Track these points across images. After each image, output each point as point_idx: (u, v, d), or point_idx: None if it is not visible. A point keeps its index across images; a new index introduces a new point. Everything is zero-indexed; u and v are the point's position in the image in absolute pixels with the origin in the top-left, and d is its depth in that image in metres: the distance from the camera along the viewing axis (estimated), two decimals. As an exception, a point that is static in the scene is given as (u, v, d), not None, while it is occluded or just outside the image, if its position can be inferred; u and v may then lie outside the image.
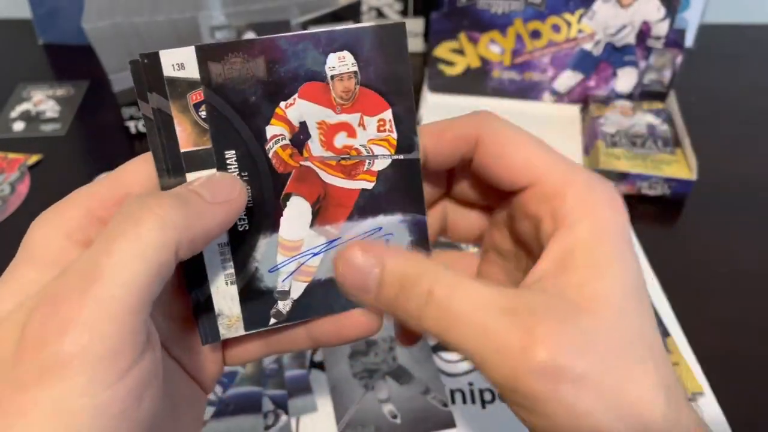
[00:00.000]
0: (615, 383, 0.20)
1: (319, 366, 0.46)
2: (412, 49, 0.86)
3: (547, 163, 0.23)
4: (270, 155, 0.23)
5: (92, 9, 0.63)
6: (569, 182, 0.22)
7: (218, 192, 0.21)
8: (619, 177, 0.60)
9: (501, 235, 0.27)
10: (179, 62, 0.22)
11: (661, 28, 0.67)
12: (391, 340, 0.48)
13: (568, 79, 0.72)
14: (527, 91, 0.74)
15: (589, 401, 0.19)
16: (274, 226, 0.24)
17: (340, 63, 0.23)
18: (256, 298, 0.24)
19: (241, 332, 0.24)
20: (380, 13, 0.84)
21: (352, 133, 0.24)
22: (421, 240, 0.25)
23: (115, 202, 0.22)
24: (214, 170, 0.23)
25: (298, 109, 0.23)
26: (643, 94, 0.71)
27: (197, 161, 0.23)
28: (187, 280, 0.24)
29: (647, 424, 0.20)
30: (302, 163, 0.24)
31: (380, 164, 0.24)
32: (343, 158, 0.24)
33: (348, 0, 0.72)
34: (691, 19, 0.83)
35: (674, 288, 0.52)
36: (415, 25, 0.85)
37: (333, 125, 0.24)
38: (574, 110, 0.73)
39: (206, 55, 0.22)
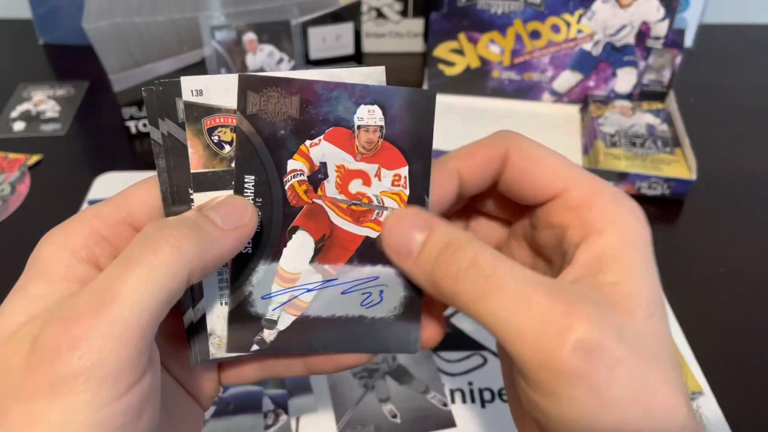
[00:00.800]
0: (646, 380, 0.20)
1: (319, 366, 0.46)
2: (412, 49, 0.86)
3: (574, 175, 0.24)
4: (286, 187, 0.24)
5: (92, 9, 0.63)
6: (595, 193, 0.23)
7: (231, 218, 0.22)
8: (619, 177, 0.60)
9: (519, 246, 0.28)
10: (198, 88, 0.23)
11: (661, 29, 0.67)
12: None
13: (567, 80, 0.72)
14: (527, 92, 0.74)
15: (619, 390, 0.19)
16: (275, 255, 0.25)
17: (369, 115, 0.24)
18: (243, 321, 0.25)
19: (233, 355, 0.25)
20: (380, 13, 0.84)
21: (367, 182, 0.25)
22: (413, 297, 0.26)
23: (119, 223, 0.23)
24: (222, 192, 0.24)
25: (321, 149, 0.24)
26: (643, 94, 0.71)
27: (206, 183, 0.24)
28: (185, 299, 0.24)
29: (669, 426, 0.20)
30: (315, 200, 0.25)
31: (388, 216, 0.25)
32: (354, 204, 0.25)
33: (348, 0, 0.72)
34: (691, 20, 0.83)
35: (674, 288, 0.52)
36: (415, 26, 0.85)
37: (351, 171, 0.25)
38: (574, 110, 0.73)
39: (247, 84, 0.23)
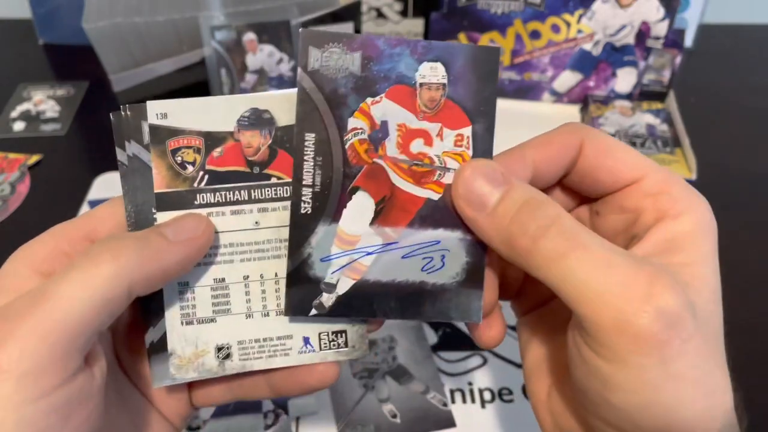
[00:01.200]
0: (708, 359, 0.20)
1: (319, 366, 0.46)
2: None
3: (650, 164, 0.24)
4: (347, 146, 0.24)
5: (92, 9, 0.63)
6: (671, 182, 0.24)
7: (181, 231, 0.23)
8: (619, 177, 0.60)
9: None
10: (162, 112, 0.24)
11: (661, 29, 0.67)
12: (390, 339, 0.48)
13: (567, 79, 0.72)
14: (527, 91, 0.74)
15: (686, 366, 0.20)
16: (335, 216, 0.24)
17: (431, 72, 0.24)
18: (302, 284, 0.24)
19: (193, 376, 0.25)
20: (380, 14, 0.84)
21: (429, 142, 0.24)
22: (477, 263, 0.25)
23: (82, 239, 0.24)
24: (184, 211, 0.24)
25: (382, 107, 0.24)
26: (643, 94, 0.71)
27: (169, 202, 0.24)
28: (144, 318, 0.25)
29: (723, 408, 0.20)
30: (375, 160, 0.24)
31: (450, 178, 0.24)
32: (416, 164, 0.24)
33: (348, 0, 0.72)
34: (691, 20, 0.83)
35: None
36: (415, 26, 0.85)
37: (412, 130, 0.24)
38: (574, 110, 0.73)
39: (309, 39, 0.23)
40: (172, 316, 0.25)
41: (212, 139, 0.25)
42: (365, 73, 0.24)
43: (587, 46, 0.70)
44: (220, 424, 0.42)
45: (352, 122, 0.24)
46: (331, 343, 0.26)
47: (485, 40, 0.71)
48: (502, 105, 0.74)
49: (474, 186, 0.23)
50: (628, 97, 0.72)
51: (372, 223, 0.25)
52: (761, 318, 0.51)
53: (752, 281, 0.54)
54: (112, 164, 0.65)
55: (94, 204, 0.60)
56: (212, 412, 0.42)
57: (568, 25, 0.69)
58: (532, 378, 0.27)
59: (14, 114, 0.73)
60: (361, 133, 0.24)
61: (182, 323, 0.25)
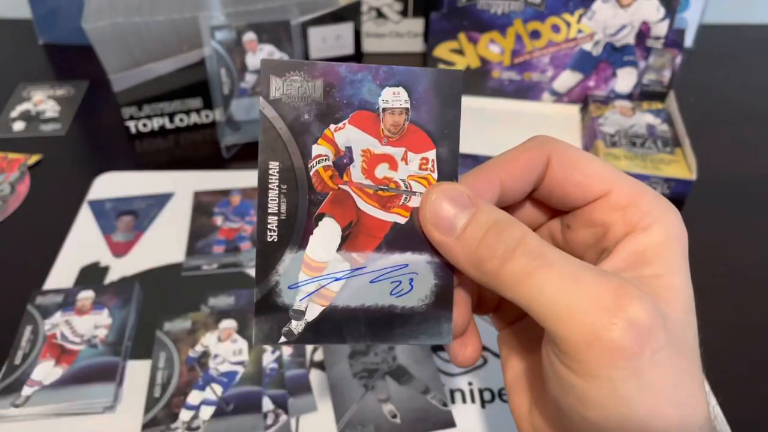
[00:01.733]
0: (680, 371, 0.20)
1: (319, 365, 0.46)
2: (412, 49, 0.86)
3: (617, 177, 0.24)
4: (311, 173, 0.24)
5: (92, 9, 0.63)
6: (640, 193, 0.24)
7: None
8: (619, 177, 0.60)
9: None
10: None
11: (661, 29, 0.67)
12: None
13: (567, 79, 0.72)
14: (527, 91, 0.74)
15: (658, 377, 0.20)
16: (302, 243, 0.24)
17: (394, 97, 0.24)
18: (270, 312, 0.25)
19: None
20: (380, 13, 0.84)
21: (393, 166, 0.24)
22: (445, 285, 0.25)
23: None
24: None
25: (346, 134, 0.24)
26: (643, 94, 0.71)
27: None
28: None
29: (696, 419, 0.20)
30: (341, 185, 0.24)
31: (416, 201, 0.25)
32: (382, 189, 0.24)
33: (348, 0, 0.72)
34: (691, 20, 0.83)
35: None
36: (415, 26, 0.85)
37: (377, 155, 0.24)
38: (574, 110, 0.73)
39: (269, 69, 0.23)
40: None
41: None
42: (327, 100, 0.24)
43: (587, 46, 0.70)
44: (220, 424, 0.42)
45: (316, 149, 0.24)
46: None
47: (485, 40, 0.71)
48: (502, 105, 0.74)
49: (441, 210, 0.23)
50: (628, 97, 0.72)
51: (339, 249, 0.25)
52: (761, 318, 0.51)
53: (752, 281, 0.54)
54: (112, 164, 0.66)
55: (94, 204, 0.60)
56: (212, 413, 0.42)
57: (568, 25, 0.69)
58: (512, 393, 0.27)
59: (14, 114, 0.73)
60: (326, 159, 0.24)
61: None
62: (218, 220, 0.58)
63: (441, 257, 0.25)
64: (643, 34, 0.68)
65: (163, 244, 0.56)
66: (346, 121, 0.24)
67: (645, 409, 0.20)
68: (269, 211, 0.24)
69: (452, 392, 0.45)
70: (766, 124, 0.74)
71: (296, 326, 0.25)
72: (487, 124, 0.70)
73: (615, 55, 0.70)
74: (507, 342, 0.28)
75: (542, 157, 0.25)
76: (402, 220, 0.25)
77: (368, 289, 0.25)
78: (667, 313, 0.21)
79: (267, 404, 0.43)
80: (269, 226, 0.24)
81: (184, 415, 0.42)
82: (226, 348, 0.46)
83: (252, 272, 0.54)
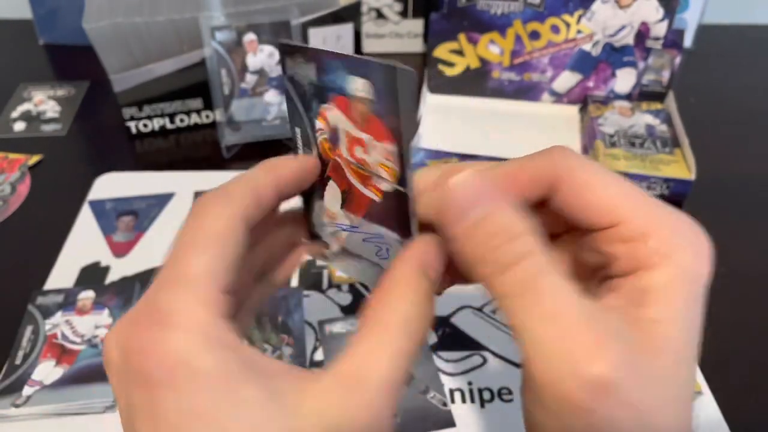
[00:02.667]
0: (654, 426, 0.20)
1: (320, 365, 0.46)
2: (412, 49, 0.87)
3: (631, 204, 0.22)
4: (318, 142, 0.28)
5: (92, 9, 0.63)
6: (653, 225, 0.22)
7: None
8: (618, 177, 0.60)
9: (560, 257, 0.27)
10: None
11: (660, 29, 0.67)
12: (390, 339, 0.48)
13: (567, 80, 0.73)
14: (526, 92, 0.74)
15: (616, 430, 0.19)
16: (322, 196, 0.29)
17: (360, 87, 0.25)
18: (314, 237, 0.31)
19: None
20: (380, 14, 0.84)
21: (365, 150, 0.26)
22: None
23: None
24: None
25: (333, 114, 0.26)
26: (642, 95, 0.71)
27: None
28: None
29: None
30: (335, 158, 0.27)
31: (384, 185, 0.26)
32: (360, 168, 0.27)
33: (348, 0, 0.72)
34: (690, 20, 0.83)
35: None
36: (414, 26, 0.85)
37: (354, 138, 0.26)
38: (573, 111, 0.73)
39: (284, 49, 0.26)
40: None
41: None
42: (320, 81, 0.26)
43: (587, 47, 0.70)
44: (221, 424, 0.42)
45: (318, 123, 0.27)
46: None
47: (485, 40, 0.71)
48: (502, 105, 0.74)
49: (460, 199, 0.22)
50: (628, 97, 0.72)
51: (342, 206, 0.28)
52: (761, 318, 0.51)
53: (752, 281, 0.54)
54: (112, 164, 0.66)
55: (94, 204, 0.60)
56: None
57: (568, 25, 0.69)
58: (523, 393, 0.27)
59: (15, 114, 0.74)
60: (324, 133, 0.27)
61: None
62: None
63: (408, 239, 0.26)
64: (642, 34, 0.68)
65: (164, 244, 0.56)
66: (332, 102, 0.26)
67: None
68: None
69: (452, 392, 0.45)
70: (766, 125, 0.74)
71: (329, 252, 0.31)
72: (487, 125, 0.71)
73: (614, 56, 0.70)
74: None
75: (548, 177, 0.23)
76: (377, 199, 0.27)
77: (362, 245, 0.29)
78: (652, 365, 0.20)
79: (267, 404, 0.43)
80: None
81: (185, 414, 0.42)
82: (226, 348, 0.46)
83: (252, 272, 0.54)
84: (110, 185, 0.63)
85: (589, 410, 0.19)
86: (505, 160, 0.25)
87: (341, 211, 0.28)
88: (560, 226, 0.26)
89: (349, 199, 0.28)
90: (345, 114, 0.26)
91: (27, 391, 0.43)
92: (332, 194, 0.28)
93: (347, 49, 0.75)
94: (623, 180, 0.23)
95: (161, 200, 0.61)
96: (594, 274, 0.25)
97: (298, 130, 0.28)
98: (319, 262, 0.54)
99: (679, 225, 0.22)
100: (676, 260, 0.21)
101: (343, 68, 0.25)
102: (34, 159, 0.66)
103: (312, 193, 0.29)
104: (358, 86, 0.25)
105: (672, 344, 0.21)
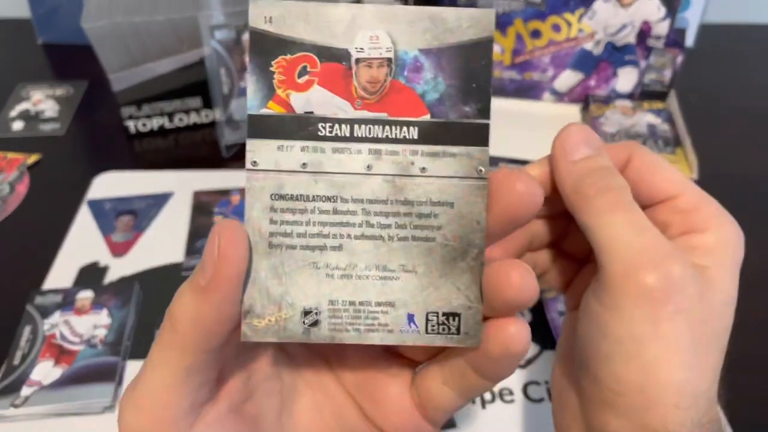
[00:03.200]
0: (696, 341, 0.22)
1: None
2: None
3: (689, 185, 0.26)
4: None
5: (92, 8, 0.63)
6: (705, 203, 0.26)
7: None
8: (620, 177, 0.60)
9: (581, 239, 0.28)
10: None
11: (662, 28, 0.67)
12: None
13: (568, 79, 0.72)
14: (527, 91, 0.74)
15: (672, 331, 0.22)
16: None
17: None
18: None
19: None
20: (380, 13, 0.84)
21: None
22: None
23: None
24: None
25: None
26: (644, 94, 0.71)
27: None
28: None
29: (697, 387, 0.22)
30: None
31: None
32: None
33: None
34: (692, 19, 0.83)
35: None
36: (415, 25, 0.85)
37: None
38: (575, 110, 0.73)
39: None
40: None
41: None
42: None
43: (588, 46, 0.70)
44: (220, 425, 0.42)
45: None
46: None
47: (485, 39, 0.71)
48: (502, 105, 0.74)
49: (573, 136, 0.26)
50: (629, 96, 0.71)
51: None
52: (761, 318, 0.51)
53: (752, 281, 0.54)
54: (111, 164, 0.65)
55: (93, 204, 0.60)
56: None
57: (569, 24, 0.69)
58: (555, 388, 0.28)
59: (13, 113, 0.73)
60: None
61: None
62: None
63: None
64: (644, 33, 0.68)
65: (163, 244, 0.56)
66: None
67: (653, 355, 0.22)
68: None
69: (453, 393, 0.44)
70: (767, 124, 0.74)
71: None
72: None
73: (616, 55, 0.70)
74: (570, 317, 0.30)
75: (624, 155, 0.27)
76: None
77: None
78: (705, 295, 0.23)
79: (267, 405, 0.43)
80: None
81: (184, 415, 0.42)
82: (225, 348, 0.46)
83: (252, 272, 0.54)
84: (109, 185, 0.63)
85: (659, 300, 0.22)
86: (505, 159, 0.27)
87: None
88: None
89: None
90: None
91: (25, 391, 0.43)
92: None
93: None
94: (676, 168, 0.27)
95: (160, 200, 0.61)
96: None
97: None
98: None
99: (723, 210, 0.26)
100: (723, 231, 0.25)
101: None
102: (33, 158, 0.66)
103: None
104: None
105: (720, 286, 0.24)
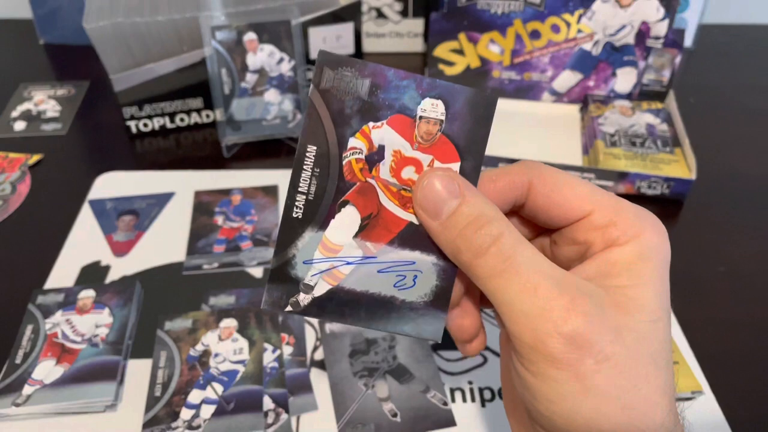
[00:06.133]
0: (631, 377, 0.21)
1: (320, 365, 0.46)
2: (412, 49, 0.87)
3: (597, 197, 0.25)
4: (344, 162, 0.26)
5: (93, 9, 0.63)
6: (620, 212, 0.25)
7: None
8: (619, 176, 0.60)
9: None
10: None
11: (661, 28, 0.67)
12: (391, 338, 0.48)
13: (567, 79, 0.73)
14: (527, 91, 0.74)
15: (602, 381, 0.21)
16: (323, 224, 0.26)
17: (432, 108, 0.26)
18: (283, 282, 0.26)
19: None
20: (380, 13, 0.84)
21: (419, 170, 0.26)
22: (445, 288, 0.27)
23: None
24: None
25: (382, 133, 0.26)
26: (643, 94, 0.71)
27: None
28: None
29: (647, 423, 0.21)
30: (368, 179, 0.26)
31: None
32: (405, 189, 0.26)
33: (348, 0, 0.72)
34: (690, 20, 0.83)
35: (673, 287, 0.52)
36: (415, 26, 0.85)
37: (406, 157, 0.26)
38: (574, 110, 0.73)
39: (324, 60, 0.25)
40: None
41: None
42: (371, 99, 0.25)
43: (587, 46, 0.70)
44: (221, 423, 0.42)
45: (353, 142, 0.26)
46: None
47: (485, 39, 0.71)
48: (503, 105, 0.74)
49: (430, 193, 0.25)
50: (628, 96, 0.72)
51: (356, 236, 0.26)
52: (761, 318, 0.51)
53: (752, 281, 0.54)
54: (112, 164, 0.66)
55: (94, 204, 0.60)
56: (213, 412, 0.43)
57: (568, 25, 0.69)
58: (502, 380, 0.29)
59: (15, 114, 0.74)
60: (359, 153, 0.26)
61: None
62: (219, 220, 0.58)
63: (447, 261, 0.26)
64: (642, 33, 0.68)
65: (164, 243, 0.56)
66: (384, 121, 0.26)
67: (590, 409, 0.21)
68: (299, 189, 0.26)
69: (452, 391, 0.45)
70: (766, 124, 0.74)
71: (303, 299, 0.26)
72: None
73: (615, 55, 0.70)
74: (504, 339, 0.29)
75: (522, 181, 0.26)
76: (417, 221, 0.26)
77: (375, 277, 0.26)
78: (624, 323, 0.22)
79: (267, 403, 0.43)
80: (296, 204, 0.26)
81: (185, 414, 0.42)
82: (226, 347, 0.46)
83: (252, 272, 0.54)
84: (110, 184, 0.63)
85: (573, 361, 0.21)
86: (504, 159, 0.26)
87: (353, 241, 0.26)
88: (525, 232, 0.29)
89: (372, 225, 0.26)
90: (402, 133, 0.26)
91: (27, 390, 0.43)
92: (344, 222, 0.26)
93: (348, 48, 0.75)
94: (585, 180, 0.26)
95: (161, 199, 0.61)
96: (570, 268, 0.27)
97: (312, 149, 0.26)
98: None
99: (640, 212, 0.25)
100: (643, 238, 0.24)
101: (414, 89, 0.25)
102: (35, 158, 0.66)
103: (305, 222, 0.26)
104: (431, 107, 0.26)
105: (642, 305, 0.23)
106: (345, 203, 0.26)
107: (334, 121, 0.25)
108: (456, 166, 0.26)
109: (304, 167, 0.26)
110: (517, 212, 0.28)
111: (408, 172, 0.26)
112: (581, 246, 0.26)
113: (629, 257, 0.24)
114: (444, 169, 0.25)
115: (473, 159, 0.26)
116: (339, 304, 0.26)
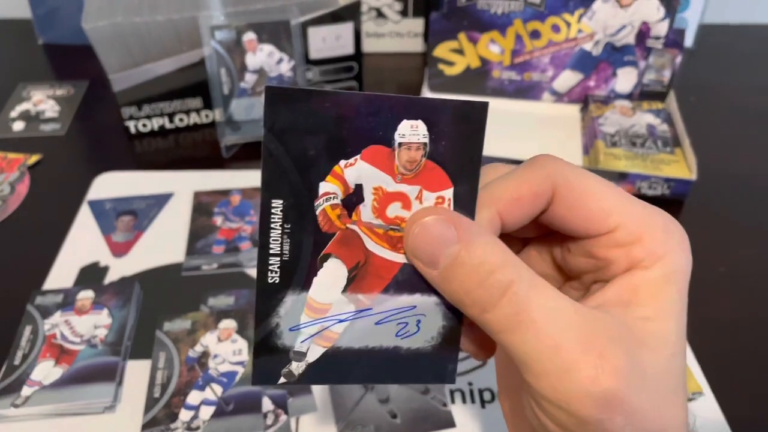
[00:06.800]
0: (658, 421, 0.21)
1: (319, 366, 0.46)
2: (412, 49, 0.86)
3: (626, 209, 0.23)
4: (317, 212, 0.23)
5: (92, 9, 0.63)
6: (647, 228, 0.22)
7: None
8: (619, 177, 0.60)
9: (540, 257, 0.27)
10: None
11: (661, 28, 0.67)
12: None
13: (567, 79, 0.72)
14: (527, 91, 0.74)
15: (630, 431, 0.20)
16: (305, 285, 0.23)
17: (412, 131, 0.22)
18: (271, 354, 0.24)
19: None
20: (380, 13, 0.84)
21: (407, 205, 0.23)
22: (453, 326, 0.24)
23: None
24: None
25: (357, 170, 0.22)
26: (643, 94, 0.71)
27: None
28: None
29: None
30: (349, 225, 0.23)
31: None
32: (393, 229, 0.23)
33: (348, 0, 0.72)
34: (691, 19, 0.83)
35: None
36: (415, 25, 0.85)
37: (389, 193, 0.23)
38: (574, 110, 0.73)
39: (274, 96, 0.21)
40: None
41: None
42: (339, 133, 0.22)
43: (587, 46, 0.70)
44: (220, 424, 0.42)
45: (324, 186, 0.22)
46: None
47: (485, 39, 0.71)
48: (502, 105, 0.74)
49: (422, 243, 0.22)
50: (629, 96, 0.71)
51: (344, 290, 0.23)
52: (761, 318, 0.51)
53: (752, 281, 0.54)
54: (111, 164, 0.66)
55: (93, 204, 0.60)
56: (212, 413, 0.42)
57: (569, 25, 0.69)
58: (500, 384, 0.28)
59: (14, 114, 0.73)
60: (334, 198, 0.22)
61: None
62: (218, 220, 0.58)
63: None
64: (643, 33, 0.68)
65: (163, 244, 0.56)
66: (357, 156, 0.22)
67: None
68: (271, 251, 0.22)
69: (452, 392, 0.45)
70: (766, 124, 0.74)
71: (297, 367, 0.24)
72: (487, 124, 0.70)
73: (615, 55, 0.70)
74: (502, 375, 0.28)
75: (546, 190, 0.23)
76: None
77: (373, 330, 0.24)
78: (649, 363, 0.21)
79: (267, 404, 0.43)
80: (270, 268, 0.23)
81: (184, 415, 0.42)
82: (225, 348, 0.46)
83: (251, 272, 0.54)
84: (109, 185, 0.63)
85: (599, 422, 0.20)
86: (504, 159, 0.25)
87: (342, 297, 0.23)
88: (533, 231, 0.26)
89: (361, 275, 0.23)
90: (380, 167, 0.22)
91: (26, 391, 0.43)
92: (329, 278, 0.23)
93: (347, 48, 0.74)
94: (613, 185, 0.23)
95: (160, 200, 0.61)
96: (580, 276, 0.25)
97: (278, 203, 0.22)
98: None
99: (669, 226, 0.23)
100: (669, 260, 0.22)
101: (388, 111, 0.22)
102: (33, 159, 0.66)
103: (284, 287, 0.23)
104: (410, 130, 0.22)
105: (666, 339, 0.21)
106: (326, 257, 0.23)
107: (298, 166, 0.22)
108: (449, 193, 0.23)
109: (272, 225, 0.22)
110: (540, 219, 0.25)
111: (394, 210, 0.23)
112: (599, 261, 0.24)
113: (654, 282, 0.22)
114: (434, 209, 0.22)
115: (468, 181, 0.23)
116: (337, 365, 0.24)
